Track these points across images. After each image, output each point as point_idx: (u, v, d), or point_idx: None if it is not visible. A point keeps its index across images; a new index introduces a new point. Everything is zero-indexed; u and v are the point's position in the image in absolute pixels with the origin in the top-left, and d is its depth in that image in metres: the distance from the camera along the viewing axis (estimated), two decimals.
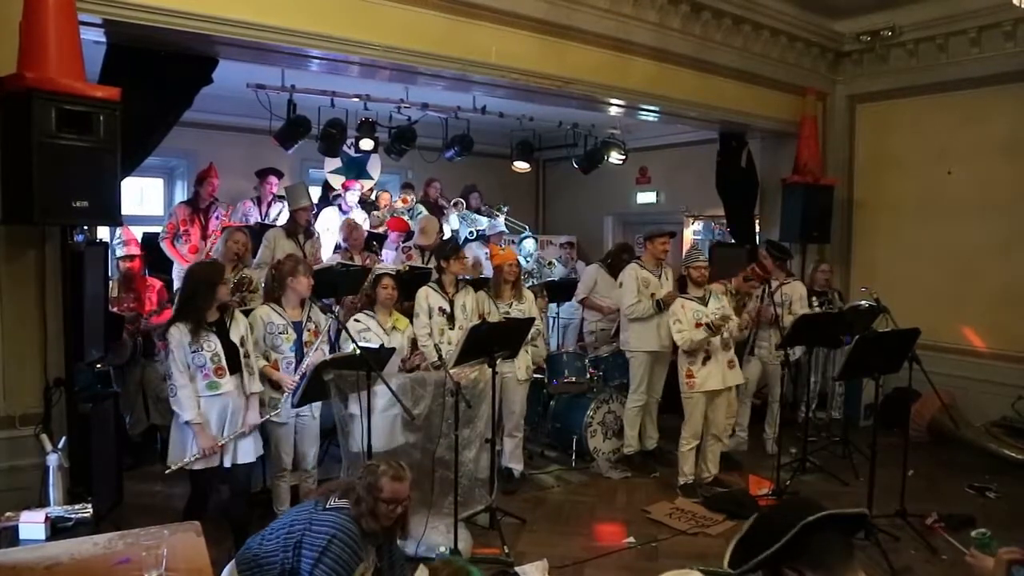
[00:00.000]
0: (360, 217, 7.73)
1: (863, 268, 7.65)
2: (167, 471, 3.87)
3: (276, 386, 4.29)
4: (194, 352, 3.81)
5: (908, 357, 4.68)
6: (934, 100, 7.13)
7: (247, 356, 4.02)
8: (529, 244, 8.88)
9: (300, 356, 4.36)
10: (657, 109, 6.75)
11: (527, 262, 8.42)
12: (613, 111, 6.86)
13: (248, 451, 4.01)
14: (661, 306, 5.52)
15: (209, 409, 3.87)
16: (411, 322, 5.02)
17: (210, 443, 3.82)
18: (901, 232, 7.40)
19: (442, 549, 3.90)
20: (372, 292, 4.86)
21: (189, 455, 3.82)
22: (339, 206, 7.94)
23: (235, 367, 3.93)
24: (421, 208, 8.34)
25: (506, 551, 4.30)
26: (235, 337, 3.98)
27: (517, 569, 4.07)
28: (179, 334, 3.82)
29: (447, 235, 7.90)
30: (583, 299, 6.80)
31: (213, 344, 3.87)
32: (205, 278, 3.96)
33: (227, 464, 3.94)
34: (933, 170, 7.11)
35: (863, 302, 5.99)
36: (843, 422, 6.61)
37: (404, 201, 8.34)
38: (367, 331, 4.62)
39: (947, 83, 6.96)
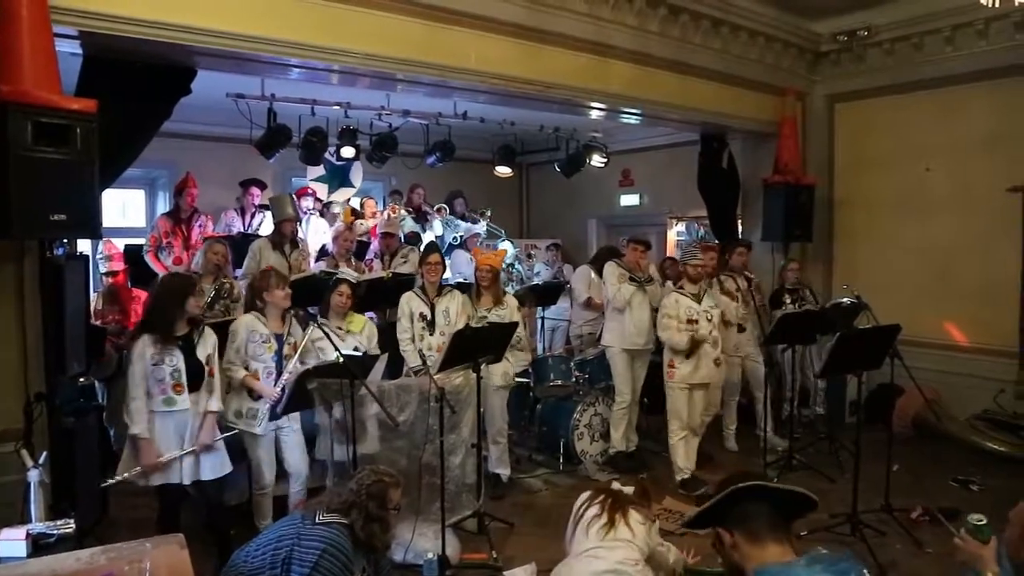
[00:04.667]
0: (321, 227, 7.72)
1: (845, 266, 7.71)
2: (106, 483, 3.83)
3: (254, 396, 4.26)
4: (154, 365, 3.76)
5: (889, 353, 4.72)
6: (911, 98, 7.20)
7: (211, 375, 3.95)
8: (507, 248, 8.87)
9: (280, 367, 4.32)
10: (638, 112, 6.79)
11: (507, 266, 8.40)
12: (594, 114, 6.88)
13: (213, 467, 3.94)
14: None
15: (164, 425, 3.81)
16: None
17: (151, 459, 3.75)
18: (882, 229, 7.46)
19: (430, 555, 3.88)
20: (329, 298, 4.79)
21: (132, 470, 3.78)
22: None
23: (196, 385, 3.86)
24: (405, 216, 8.33)
25: (494, 556, 4.30)
26: (201, 354, 3.91)
27: (506, 573, 4.06)
28: (142, 346, 3.77)
29: (431, 241, 7.90)
30: (587, 299, 6.82)
31: (176, 360, 3.80)
32: (175, 290, 3.91)
33: (186, 481, 3.87)
34: (912, 168, 7.18)
35: (844, 299, 6.04)
36: (828, 419, 6.67)
37: (393, 211, 8.33)
38: (321, 339, 4.53)
39: (923, 81, 7.03)
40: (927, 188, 7.09)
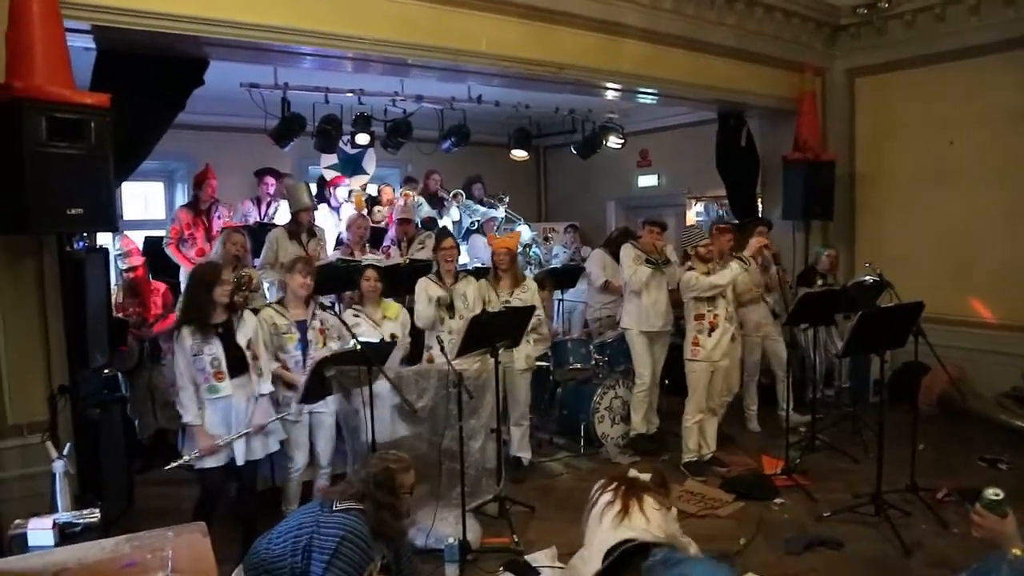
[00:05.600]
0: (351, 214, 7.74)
1: (867, 243, 7.60)
2: (166, 467, 3.88)
3: (288, 385, 4.32)
4: (195, 356, 3.82)
5: (913, 331, 4.65)
6: (934, 71, 7.04)
7: (255, 358, 4.00)
8: (524, 231, 8.83)
9: (305, 355, 4.38)
10: (653, 91, 6.71)
11: (522, 249, 8.37)
12: (609, 95, 6.82)
13: (264, 446, 4.03)
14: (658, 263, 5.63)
15: (212, 412, 3.88)
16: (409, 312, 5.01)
17: (206, 444, 3.82)
18: (904, 206, 7.33)
19: (451, 540, 3.91)
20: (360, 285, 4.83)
21: (189, 454, 3.85)
22: (328, 203, 7.94)
23: (238, 370, 3.92)
24: (422, 201, 8.33)
25: (515, 540, 4.31)
26: (241, 339, 3.96)
27: (527, 557, 4.07)
28: (182, 338, 3.84)
29: (447, 227, 7.90)
30: (604, 282, 6.81)
31: (215, 348, 3.85)
32: (201, 280, 3.97)
33: (240, 461, 3.94)
34: (935, 142, 7.04)
35: (867, 277, 5.95)
36: (852, 398, 6.59)
37: (406, 196, 8.33)
38: (357, 327, 4.59)
39: (946, 53, 6.87)
40: (951, 162, 6.94)
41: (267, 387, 4.06)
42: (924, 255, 7.01)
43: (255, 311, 4.34)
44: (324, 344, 4.44)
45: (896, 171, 7.39)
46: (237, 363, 3.92)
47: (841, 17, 7.38)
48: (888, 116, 7.44)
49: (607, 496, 3.38)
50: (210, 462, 3.88)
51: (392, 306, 4.96)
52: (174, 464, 3.85)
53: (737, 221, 7.81)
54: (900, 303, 4.87)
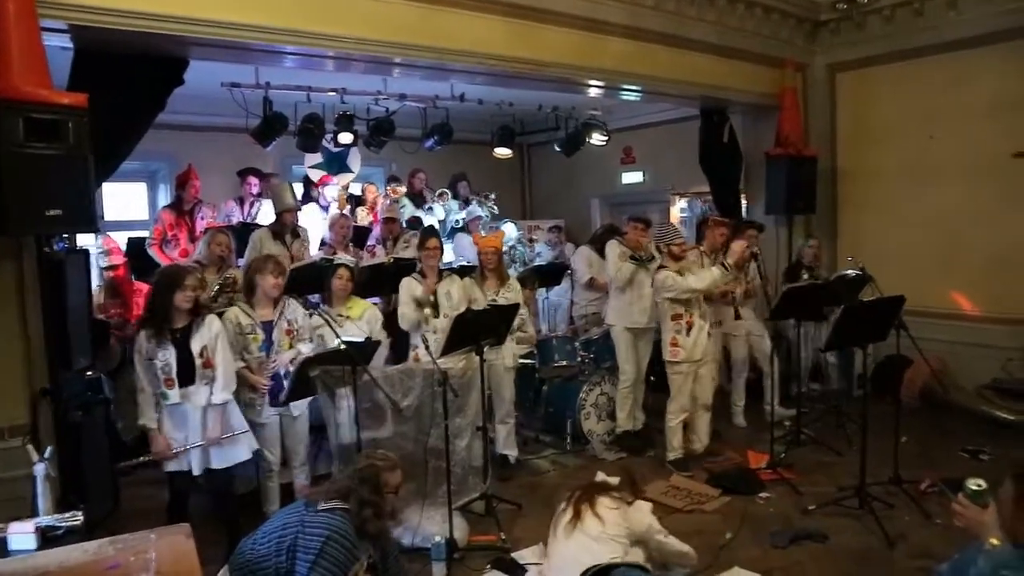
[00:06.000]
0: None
1: (850, 238, 7.66)
2: (120, 465, 3.93)
3: (252, 387, 4.28)
4: (148, 360, 3.79)
5: (895, 325, 4.69)
6: (914, 65, 7.10)
7: (207, 366, 3.87)
8: (510, 229, 8.84)
9: (271, 355, 4.34)
10: (636, 88, 6.73)
11: (510, 247, 8.38)
12: (592, 92, 6.81)
13: (223, 456, 3.95)
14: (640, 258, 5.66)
15: (167, 417, 3.86)
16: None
17: (160, 447, 3.81)
18: (886, 200, 7.39)
19: (438, 539, 3.90)
20: (328, 284, 4.79)
21: (144, 455, 3.85)
22: (317, 201, 7.91)
23: (189, 379, 3.84)
24: (406, 202, 8.32)
25: (502, 537, 4.31)
26: (195, 346, 3.85)
27: (514, 554, 4.08)
28: (140, 341, 3.82)
29: (429, 226, 7.87)
30: (589, 279, 6.80)
31: (168, 354, 3.79)
32: (164, 284, 3.89)
33: (196, 471, 3.88)
34: (916, 136, 7.10)
35: (849, 272, 6.00)
36: (837, 392, 6.65)
37: (394, 192, 8.31)
38: (320, 327, 4.54)
39: (925, 48, 6.93)
40: (932, 156, 7.00)
41: (222, 396, 3.93)
42: (906, 248, 7.06)
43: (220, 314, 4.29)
44: (290, 346, 4.39)
45: (877, 165, 7.44)
46: (186, 371, 3.83)
47: (821, 13, 7.42)
48: (869, 111, 7.49)
49: (562, 505, 3.37)
50: (172, 466, 3.87)
51: (358, 305, 4.90)
52: (128, 463, 3.89)
53: (723, 218, 7.87)
54: (882, 297, 4.91)
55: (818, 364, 7.06)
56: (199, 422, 3.87)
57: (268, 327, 4.36)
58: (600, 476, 3.70)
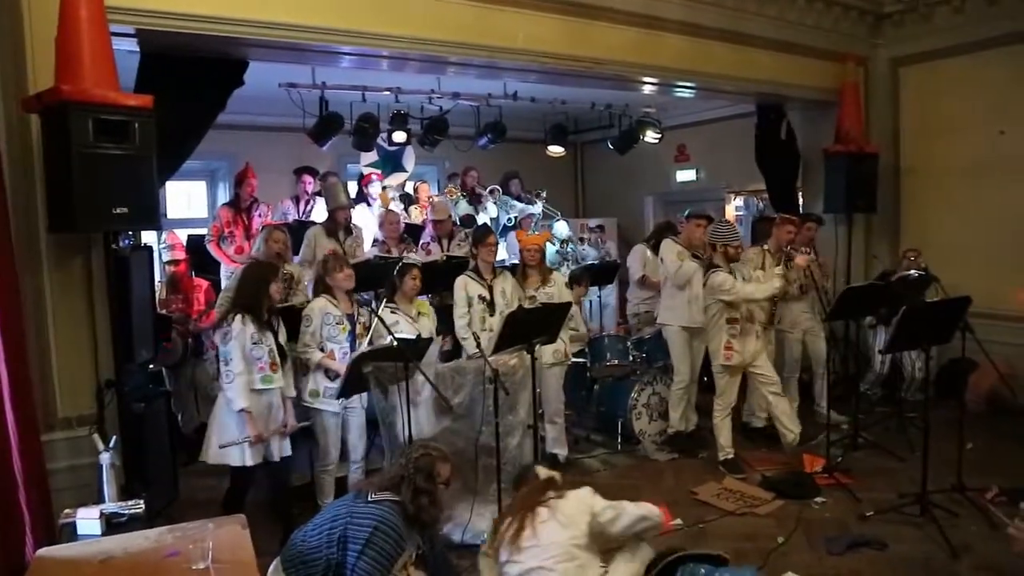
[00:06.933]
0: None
1: (913, 237, 7.39)
2: (222, 446, 3.93)
3: (330, 376, 4.41)
4: (254, 344, 3.95)
5: (960, 326, 4.53)
6: (983, 57, 6.82)
7: (285, 360, 4.17)
8: (562, 228, 8.81)
9: (353, 347, 4.46)
10: (691, 85, 6.65)
11: (559, 245, 8.35)
12: (646, 89, 6.76)
13: (286, 447, 4.18)
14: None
15: (259, 402, 4.00)
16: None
17: (258, 432, 3.94)
18: (952, 197, 7.13)
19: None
20: (398, 282, 4.83)
21: (240, 436, 3.91)
22: (366, 201, 8.01)
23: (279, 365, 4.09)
24: (461, 199, 8.37)
25: None
26: (282, 339, 4.16)
27: None
28: (241, 324, 3.94)
29: (484, 223, 7.90)
30: (641, 277, 6.76)
31: (270, 340, 4.03)
32: (259, 277, 4.11)
33: (275, 458, 4.08)
34: (984, 131, 6.83)
35: (912, 272, 5.81)
36: (897, 396, 6.43)
37: (450, 193, 8.38)
38: (396, 324, 4.61)
39: (998, 38, 6.64)
40: (1001, 153, 6.73)
41: (292, 391, 4.25)
42: (973, 248, 6.81)
43: (292, 308, 4.43)
44: (371, 340, 4.52)
45: (943, 162, 7.19)
46: (283, 357, 4.12)
47: (884, 5, 7.22)
48: (934, 105, 7.24)
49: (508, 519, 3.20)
50: (250, 459, 3.95)
51: (424, 303, 5.03)
52: (225, 444, 3.92)
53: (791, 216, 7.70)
54: (946, 297, 4.74)
55: (896, 366, 6.79)
56: (279, 410, 4.09)
57: (351, 319, 4.53)
58: (539, 469, 3.56)
